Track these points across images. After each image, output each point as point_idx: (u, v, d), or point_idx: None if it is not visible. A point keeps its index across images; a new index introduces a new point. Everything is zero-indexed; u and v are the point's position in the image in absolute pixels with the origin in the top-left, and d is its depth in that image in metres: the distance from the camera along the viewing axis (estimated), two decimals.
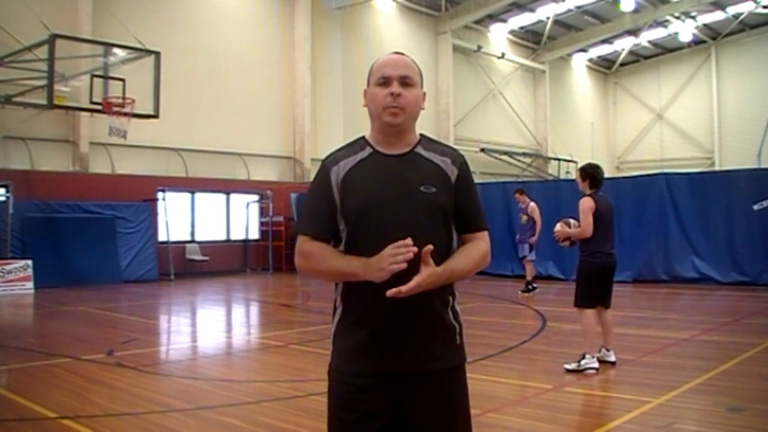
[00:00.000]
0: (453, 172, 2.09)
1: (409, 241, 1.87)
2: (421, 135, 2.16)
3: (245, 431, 4.55)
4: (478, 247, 2.12)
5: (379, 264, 1.88)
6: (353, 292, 2.03)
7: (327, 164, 2.11)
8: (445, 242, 2.06)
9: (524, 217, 12.37)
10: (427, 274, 1.89)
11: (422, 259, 1.89)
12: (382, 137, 2.10)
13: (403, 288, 1.87)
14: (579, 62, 34.13)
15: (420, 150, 2.11)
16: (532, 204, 12.38)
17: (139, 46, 13.70)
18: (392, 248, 1.87)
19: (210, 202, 19.28)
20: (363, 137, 2.15)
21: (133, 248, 16.28)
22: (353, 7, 22.64)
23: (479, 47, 27.93)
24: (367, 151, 2.10)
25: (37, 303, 12.44)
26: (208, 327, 10.38)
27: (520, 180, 22.75)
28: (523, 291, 12.42)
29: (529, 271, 12.61)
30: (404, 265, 1.86)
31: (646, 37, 31.68)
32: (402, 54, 2.13)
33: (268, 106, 20.75)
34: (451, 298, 2.09)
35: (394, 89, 2.03)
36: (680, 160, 30.39)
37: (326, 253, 2.03)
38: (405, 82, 2.05)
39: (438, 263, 1.96)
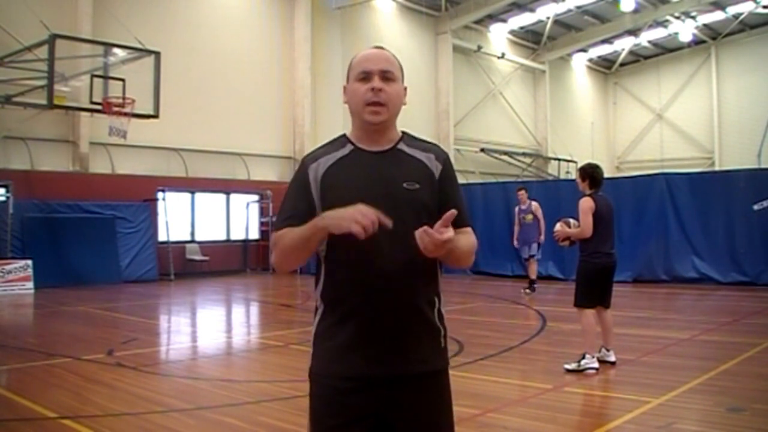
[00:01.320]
0: (437, 168, 2.05)
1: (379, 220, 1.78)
2: (403, 132, 2.12)
3: (245, 431, 4.55)
4: (469, 237, 2.05)
5: (345, 215, 1.78)
6: (335, 290, 1.98)
7: (306, 162, 2.07)
8: None
9: (529, 216, 12.37)
10: (451, 234, 1.80)
11: (444, 223, 1.80)
12: (363, 134, 2.06)
13: (443, 236, 1.77)
14: (579, 62, 34.12)
15: (402, 146, 2.06)
16: (535, 203, 12.40)
17: (139, 46, 13.69)
18: (364, 213, 1.78)
19: (210, 202, 19.28)
20: (344, 135, 2.11)
21: (133, 248, 16.27)
22: (353, 7, 22.63)
23: (479, 47, 27.92)
24: (348, 148, 2.06)
25: (37, 303, 12.44)
26: (208, 327, 10.38)
27: (520, 180, 22.74)
28: (527, 290, 12.39)
29: (534, 270, 12.65)
30: (362, 231, 1.76)
31: (646, 37, 31.66)
32: (382, 48, 2.10)
33: (268, 106, 20.75)
34: (436, 299, 2.04)
35: (375, 84, 1.99)
36: (680, 160, 30.37)
37: (288, 232, 1.96)
38: (386, 76, 2.01)
39: (423, 262, 1.91)
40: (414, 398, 1.96)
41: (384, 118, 2.01)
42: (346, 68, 2.11)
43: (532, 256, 12.53)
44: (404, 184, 1.98)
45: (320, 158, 2.05)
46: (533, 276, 12.58)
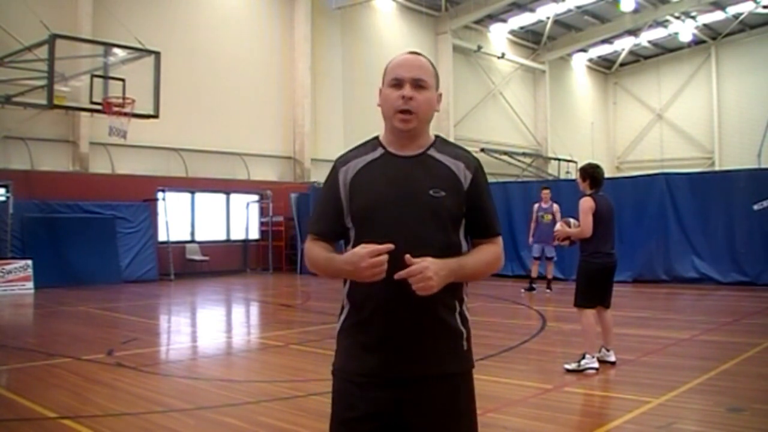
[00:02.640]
0: (466, 178, 2.05)
1: (386, 247, 1.84)
2: (436, 136, 2.14)
3: (245, 431, 4.55)
4: (491, 248, 2.08)
5: (359, 264, 1.85)
6: (360, 292, 2.01)
7: (337, 165, 2.11)
8: (453, 247, 2.01)
9: (548, 216, 12.48)
10: (431, 262, 1.85)
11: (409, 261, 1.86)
12: (394, 138, 2.08)
13: (412, 268, 1.84)
14: (579, 62, 34.13)
15: (433, 152, 2.08)
16: (556, 205, 12.53)
17: (139, 46, 13.69)
18: (370, 253, 1.84)
19: (210, 202, 19.28)
20: (377, 137, 2.14)
21: (133, 248, 16.27)
22: (353, 7, 22.62)
23: (479, 47, 27.92)
24: (379, 151, 2.09)
25: (37, 303, 12.44)
26: (208, 327, 10.38)
27: (520, 180, 22.73)
28: (547, 289, 12.65)
29: (550, 271, 12.91)
30: (382, 274, 1.85)
31: (646, 37, 31.67)
32: (418, 54, 2.11)
33: (268, 106, 20.75)
34: (458, 303, 2.06)
35: (405, 92, 2.01)
36: (680, 160, 30.38)
37: (316, 251, 2.05)
38: (418, 84, 2.03)
39: None
40: (430, 400, 2.00)
41: (413, 126, 2.03)
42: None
43: (550, 258, 12.76)
44: (430, 191, 2.00)
45: (350, 161, 2.09)
46: (550, 276, 12.85)
